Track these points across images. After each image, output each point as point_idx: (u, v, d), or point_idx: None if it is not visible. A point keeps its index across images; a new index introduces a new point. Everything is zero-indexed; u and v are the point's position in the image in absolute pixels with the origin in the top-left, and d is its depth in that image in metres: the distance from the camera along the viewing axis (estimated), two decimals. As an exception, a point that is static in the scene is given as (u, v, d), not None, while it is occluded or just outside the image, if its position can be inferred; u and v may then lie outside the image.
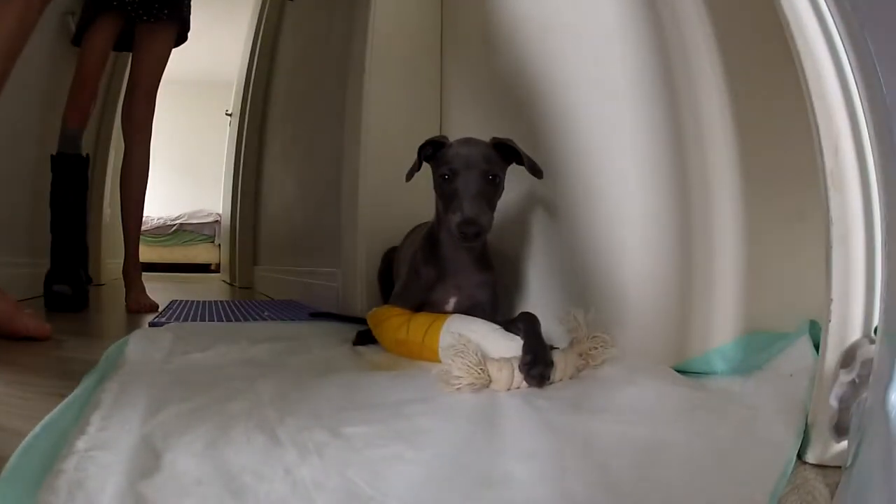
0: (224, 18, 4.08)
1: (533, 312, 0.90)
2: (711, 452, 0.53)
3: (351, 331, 1.21)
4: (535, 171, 0.99)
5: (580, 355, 0.81)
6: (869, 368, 0.47)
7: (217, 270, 5.12)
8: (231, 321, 1.54)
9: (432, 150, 1.01)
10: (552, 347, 0.83)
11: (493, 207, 0.96)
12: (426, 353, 0.94)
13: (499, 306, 1.07)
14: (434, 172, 0.99)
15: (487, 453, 0.53)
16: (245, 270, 3.51)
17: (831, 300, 0.52)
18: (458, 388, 0.73)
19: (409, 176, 1.03)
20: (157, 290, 2.16)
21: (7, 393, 0.73)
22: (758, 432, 0.57)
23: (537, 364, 0.76)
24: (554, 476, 0.48)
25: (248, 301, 2.28)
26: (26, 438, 0.49)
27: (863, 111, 0.49)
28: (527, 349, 0.79)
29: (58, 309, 1.64)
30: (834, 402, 0.51)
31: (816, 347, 0.65)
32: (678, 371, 0.80)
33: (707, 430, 0.58)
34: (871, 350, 0.49)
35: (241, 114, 3.68)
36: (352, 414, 0.64)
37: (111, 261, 3.07)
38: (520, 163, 0.99)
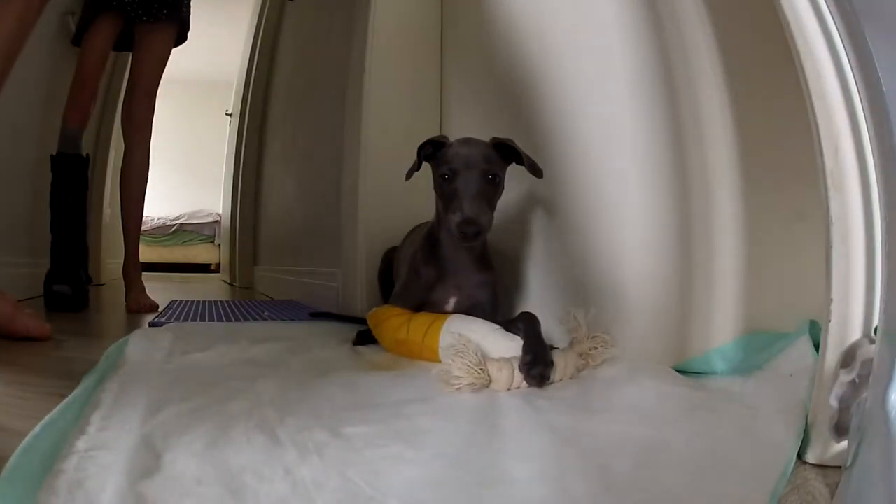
0: (224, 18, 4.07)
1: (533, 312, 0.90)
2: (711, 452, 0.53)
3: (351, 331, 1.21)
4: (535, 170, 0.99)
5: (580, 355, 0.81)
6: (869, 368, 0.47)
7: (217, 270, 5.12)
8: (231, 321, 1.54)
9: (432, 150, 1.01)
10: (552, 347, 0.83)
11: (493, 207, 0.96)
12: (426, 353, 0.94)
13: (499, 306, 1.07)
14: (434, 172, 0.99)
15: (487, 453, 0.53)
16: (245, 270, 3.51)
17: (831, 300, 0.52)
18: (458, 388, 0.73)
19: (409, 175, 1.03)
20: (157, 290, 2.16)
21: (7, 393, 0.73)
22: (758, 432, 0.57)
23: (537, 364, 0.76)
24: (554, 476, 0.48)
25: (248, 301, 2.28)
26: (26, 438, 0.49)
27: (863, 111, 0.49)
28: (527, 349, 0.79)
29: (58, 309, 1.63)
30: (834, 402, 0.51)
31: (816, 347, 0.65)
32: (678, 371, 0.80)
33: (707, 430, 0.58)
34: (871, 350, 0.49)
35: (241, 114, 3.68)
36: (352, 414, 0.64)
37: (111, 261, 3.07)
38: (520, 163, 0.99)
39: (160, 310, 1.78)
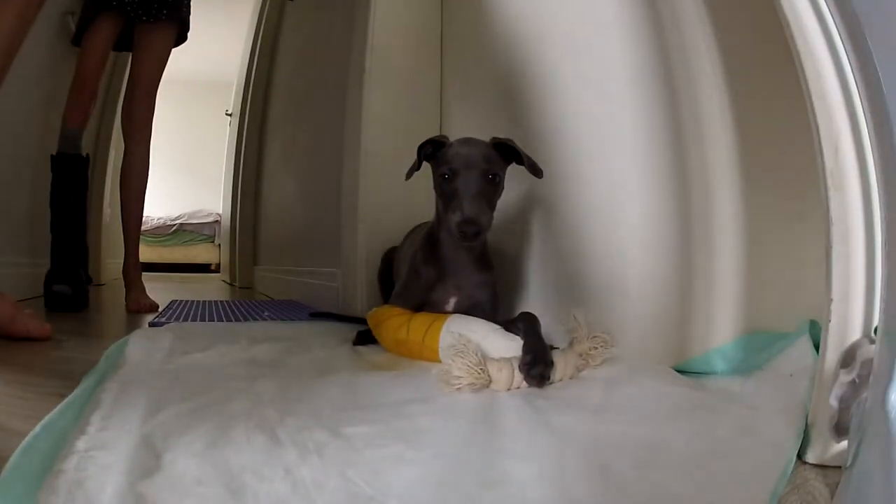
0: (224, 18, 4.08)
1: (533, 312, 0.90)
2: (711, 452, 0.53)
3: (351, 331, 1.21)
4: (535, 170, 0.99)
5: (580, 355, 0.81)
6: (869, 368, 0.47)
7: (217, 270, 5.12)
8: (231, 321, 1.54)
9: (432, 150, 1.01)
10: (552, 347, 0.83)
11: (492, 207, 0.96)
12: (426, 353, 0.94)
13: (499, 306, 1.07)
14: (434, 172, 0.99)
15: (487, 453, 0.53)
16: (245, 270, 3.51)
17: (831, 300, 0.52)
18: (458, 388, 0.73)
19: (409, 175, 1.03)
20: (157, 290, 2.16)
21: (7, 393, 0.73)
22: (758, 432, 0.57)
23: (537, 364, 0.76)
24: (554, 476, 0.48)
25: (248, 301, 2.28)
26: (26, 438, 0.49)
27: (863, 111, 0.49)
28: (527, 349, 0.79)
29: (58, 309, 1.63)
30: (834, 402, 0.51)
31: (816, 347, 0.65)
32: (678, 371, 0.80)
33: (707, 430, 0.58)
34: (871, 350, 0.49)
35: (241, 114, 3.68)
36: (352, 414, 0.64)
37: (111, 261, 3.07)
38: (520, 163, 0.99)
39: (160, 310, 1.78)
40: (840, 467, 0.49)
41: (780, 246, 0.80)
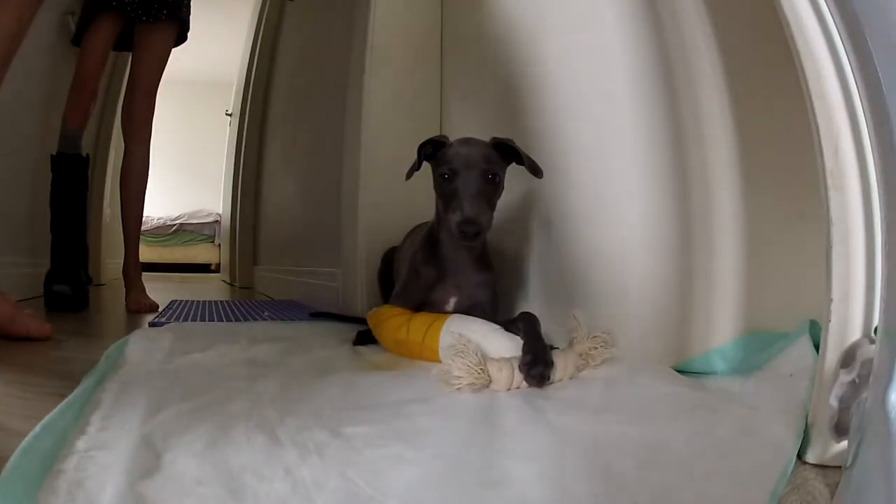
0: (224, 18, 4.08)
1: (533, 312, 0.90)
2: (711, 452, 0.53)
3: (351, 331, 1.21)
4: (535, 170, 0.99)
5: (580, 355, 0.81)
6: (869, 368, 0.47)
7: (217, 270, 5.12)
8: (231, 321, 1.54)
9: (432, 150, 1.01)
10: (552, 347, 0.83)
11: (492, 207, 0.96)
12: (426, 353, 0.94)
13: (499, 306, 1.07)
14: (434, 172, 0.99)
15: (487, 453, 0.53)
16: (245, 270, 3.51)
17: (831, 300, 0.52)
18: (458, 388, 0.73)
19: (409, 175, 1.03)
20: (157, 290, 2.16)
21: (7, 393, 0.73)
22: (758, 432, 0.57)
23: (537, 364, 0.76)
24: (554, 476, 0.48)
25: (248, 301, 2.28)
26: (26, 438, 0.49)
27: (863, 111, 0.49)
28: (527, 349, 0.79)
29: (58, 309, 1.63)
30: (834, 402, 0.51)
31: (816, 347, 0.65)
32: (678, 371, 0.80)
33: (707, 430, 0.58)
34: (871, 350, 0.49)
35: (241, 114, 3.68)
36: (352, 414, 0.64)
37: (111, 261, 3.07)
38: (520, 163, 0.99)
39: (160, 310, 1.78)
40: (840, 467, 0.49)
41: (780, 246, 0.80)
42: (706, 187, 0.83)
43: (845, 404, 0.50)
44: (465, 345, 0.77)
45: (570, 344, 0.83)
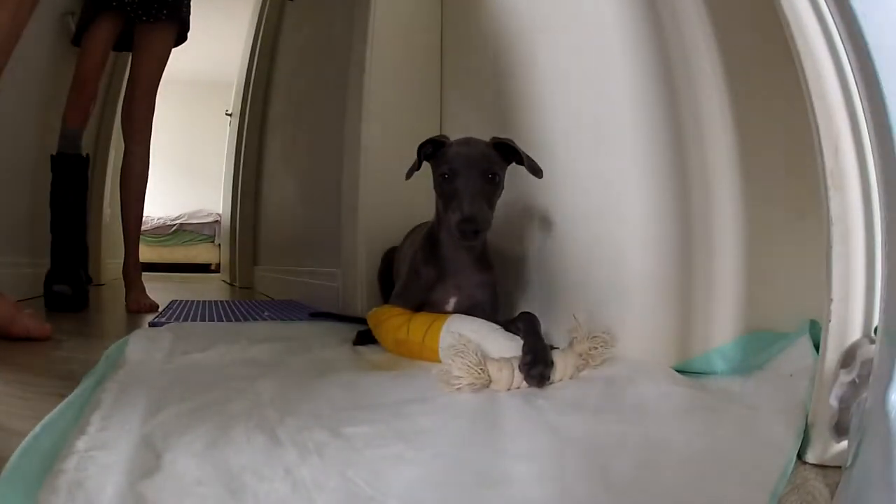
0: (224, 18, 4.07)
1: (533, 312, 0.90)
2: (711, 452, 0.53)
3: (351, 331, 1.21)
4: (535, 170, 0.99)
5: (580, 355, 0.81)
6: (869, 368, 0.46)
7: (217, 270, 5.12)
8: (231, 321, 1.54)
9: (432, 150, 1.01)
10: (552, 347, 0.83)
11: (492, 207, 0.96)
12: (426, 353, 0.94)
13: (499, 306, 1.07)
14: (434, 172, 0.99)
15: (487, 453, 0.53)
16: (245, 270, 3.51)
17: (831, 300, 0.52)
18: (458, 388, 0.73)
19: (409, 175, 1.03)
20: (157, 290, 2.16)
21: (7, 393, 0.73)
22: (758, 432, 0.57)
23: (537, 364, 0.76)
24: (554, 476, 0.48)
25: (248, 301, 2.28)
26: (26, 438, 0.49)
27: (863, 111, 0.49)
28: (527, 349, 0.79)
29: (58, 309, 1.63)
30: (834, 402, 0.51)
31: (816, 347, 0.65)
32: (678, 371, 0.80)
33: (707, 430, 0.58)
34: (871, 350, 0.49)
35: (241, 114, 3.68)
36: (352, 414, 0.64)
37: (111, 261, 3.07)
38: (520, 162, 0.99)
39: (160, 310, 1.78)
40: (840, 467, 0.49)
41: (779, 246, 0.80)
42: (706, 187, 0.83)
43: (845, 404, 0.50)
44: (465, 345, 0.77)
45: (570, 344, 0.83)
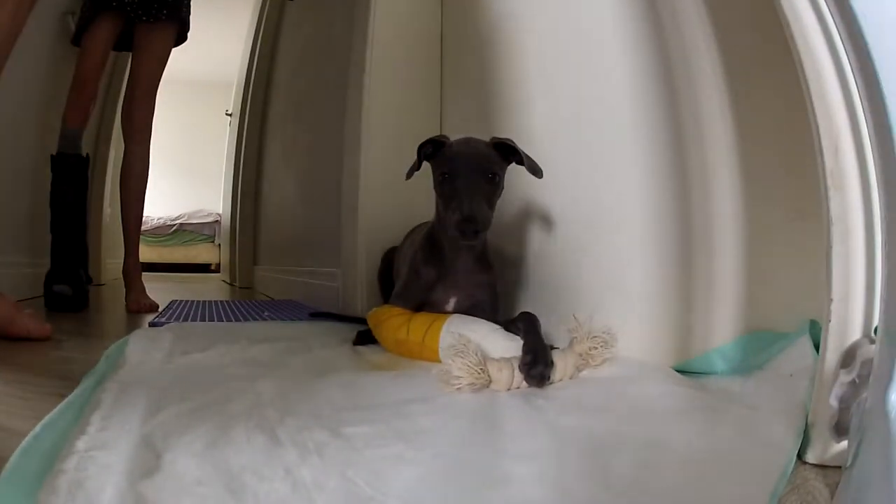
0: (224, 18, 4.08)
1: (533, 312, 0.90)
2: (711, 452, 0.53)
3: (351, 331, 1.21)
4: (535, 170, 0.99)
5: (580, 355, 0.81)
6: (869, 368, 0.46)
7: (217, 270, 5.12)
8: (231, 321, 1.54)
9: (432, 150, 1.01)
10: (552, 347, 0.83)
11: (492, 206, 0.96)
12: (426, 353, 0.94)
13: (499, 306, 1.07)
14: (434, 172, 0.99)
15: (487, 453, 0.53)
16: (245, 270, 3.51)
17: (831, 300, 0.52)
18: (458, 388, 0.73)
19: (409, 175, 1.03)
20: (157, 290, 2.16)
21: (7, 393, 0.73)
22: (758, 432, 0.57)
23: (537, 364, 0.76)
24: (554, 476, 0.48)
25: (248, 301, 2.28)
26: (26, 438, 0.49)
27: (863, 111, 0.49)
28: (527, 349, 0.79)
29: (58, 309, 1.64)
30: (834, 402, 0.51)
31: (816, 347, 0.65)
32: (678, 371, 0.80)
33: (707, 430, 0.58)
34: (871, 350, 0.49)
35: (241, 114, 3.68)
36: (352, 414, 0.64)
37: (111, 261, 3.08)
38: (519, 162, 0.99)
39: (160, 310, 1.78)
40: (840, 467, 0.49)
41: (779, 246, 0.80)
42: (706, 187, 0.83)
43: (845, 404, 0.50)
44: (465, 345, 0.77)
45: (570, 344, 0.83)
